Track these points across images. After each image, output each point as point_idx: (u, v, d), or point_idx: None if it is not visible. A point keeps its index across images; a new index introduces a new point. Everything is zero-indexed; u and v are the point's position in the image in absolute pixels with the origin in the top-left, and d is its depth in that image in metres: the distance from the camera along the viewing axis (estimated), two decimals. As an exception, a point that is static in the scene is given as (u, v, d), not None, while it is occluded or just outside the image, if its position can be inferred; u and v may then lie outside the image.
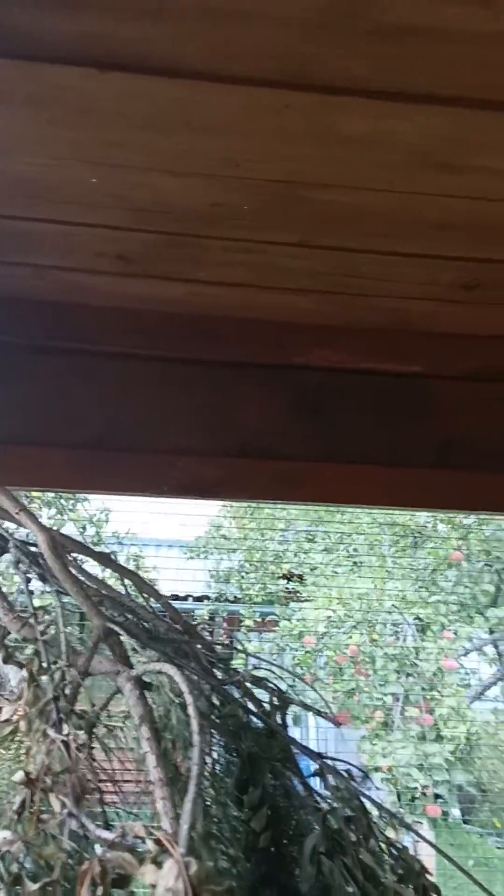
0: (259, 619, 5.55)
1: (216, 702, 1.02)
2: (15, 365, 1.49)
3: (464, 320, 1.47)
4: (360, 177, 1.14)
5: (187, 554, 6.91)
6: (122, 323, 1.43)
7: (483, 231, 1.18)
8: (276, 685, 1.08)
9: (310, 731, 5.27)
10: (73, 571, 1.07)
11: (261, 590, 5.76)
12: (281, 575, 5.69)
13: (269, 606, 5.49)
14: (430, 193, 1.13)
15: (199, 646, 1.11)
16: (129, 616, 1.10)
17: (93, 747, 0.88)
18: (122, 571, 1.19)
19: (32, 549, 1.15)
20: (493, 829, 5.41)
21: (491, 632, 4.27)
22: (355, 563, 4.93)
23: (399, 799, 3.24)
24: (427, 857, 3.72)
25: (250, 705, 1.04)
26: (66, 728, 0.86)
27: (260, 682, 1.08)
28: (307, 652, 3.98)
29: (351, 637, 3.88)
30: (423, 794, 3.36)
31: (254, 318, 1.46)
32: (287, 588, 5.25)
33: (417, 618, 4.02)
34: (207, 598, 6.40)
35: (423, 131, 1.00)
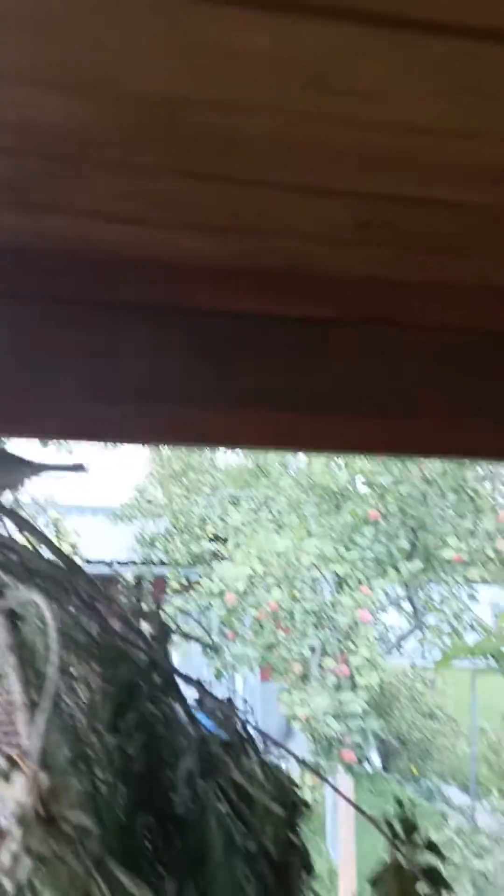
0: (185, 582, 5.57)
1: (94, 634, 1.01)
2: None
3: (359, 263, 1.48)
4: (248, 97, 1.10)
5: (112, 519, 6.86)
6: (14, 262, 1.38)
7: (377, 163, 1.17)
8: (160, 618, 1.08)
9: (237, 685, 5.35)
10: None
11: (186, 553, 5.78)
12: (207, 538, 5.72)
13: (195, 568, 5.52)
14: (321, 118, 1.11)
15: (81, 581, 1.09)
16: (7, 553, 1.07)
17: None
18: (4, 511, 1.16)
19: None
20: (410, 777, 5.64)
21: (406, 586, 4.41)
22: (278, 524, 4.99)
23: (316, 745, 3.33)
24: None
25: (131, 636, 1.03)
26: None
27: (143, 615, 1.07)
28: (229, 610, 4.02)
29: (270, 593, 3.94)
30: (340, 741, 3.46)
31: (143, 258, 1.42)
32: (211, 549, 5.29)
33: (335, 574, 4.11)
34: (133, 562, 6.39)
35: (319, 50, 0.98)
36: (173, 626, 1.04)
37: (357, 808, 0.95)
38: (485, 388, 1.54)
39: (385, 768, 5.91)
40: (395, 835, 0.80)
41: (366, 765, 4.43)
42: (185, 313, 1.50)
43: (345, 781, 3.94)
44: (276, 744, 0.96)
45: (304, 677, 3.80)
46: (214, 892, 0.82)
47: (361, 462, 4.48)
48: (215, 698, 0.98)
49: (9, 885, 0.60)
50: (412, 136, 1.04)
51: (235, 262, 1.46)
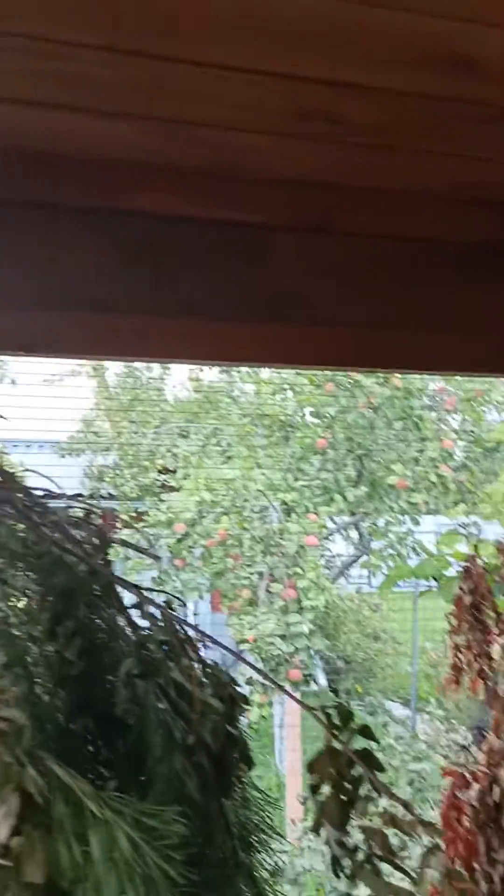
0: (134, 514, 5.57)
1: (30, 543, 0.99)
2: None
3: (300, 161, 1.42)
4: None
5: (59, 453, 6.76)
6: None
7: (323, 40, 1.10)
8: (97, 526, 1.07)
9: (187, 613, 5.43)
10: None
11: (135, 486, 5.76)
12: (156, 469, 5.69)
13: (143, 501, 5.51)
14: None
15: (16, 491, 1.07)
16: None
17: None
18: None
19: None
20: (355, 695, 5.88)
21: (352, 513, 4.49)
22: (226, 455, 4.99)
23: (265, 665, 3.42)
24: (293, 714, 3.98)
25: (69, 545, 1.02)
26: None
27: (79, 523, 1.06)
28: (178, 539, 4.05)
29: (219, 522, 3.97)
30: (287, 660, 3.56)
31: (73, 155, 1.34)
32: (160, 481, 5.28)
33: (283, 502, 4.16)
34: (81, 495, 6.33)
35: None
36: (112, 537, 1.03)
37: (299, 701, 0.98)
38: (422, 298, 1.53)
39: (331, 689, 6.13)
40: (331, 723, 0.82)
41: (312, 685, 4.58)
42: (118, 215, 1.43)
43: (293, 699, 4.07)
44: (205, 635, 0.97)
45: (252, 602, 3.87)
46: (155, 787, 0.83)
47: (308, 391, 4.48)
48: (153, 602, 0.98)
49: None
50: (352, 6, 0.98)
51: (165, 157, 1.38)
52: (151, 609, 0.98)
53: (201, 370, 6.20)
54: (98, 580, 1.02)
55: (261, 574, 3.91)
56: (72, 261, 1.42)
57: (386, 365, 1.69)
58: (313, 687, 4.75)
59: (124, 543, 1.10)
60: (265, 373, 5.24)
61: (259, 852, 0.94)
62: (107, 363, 6.50)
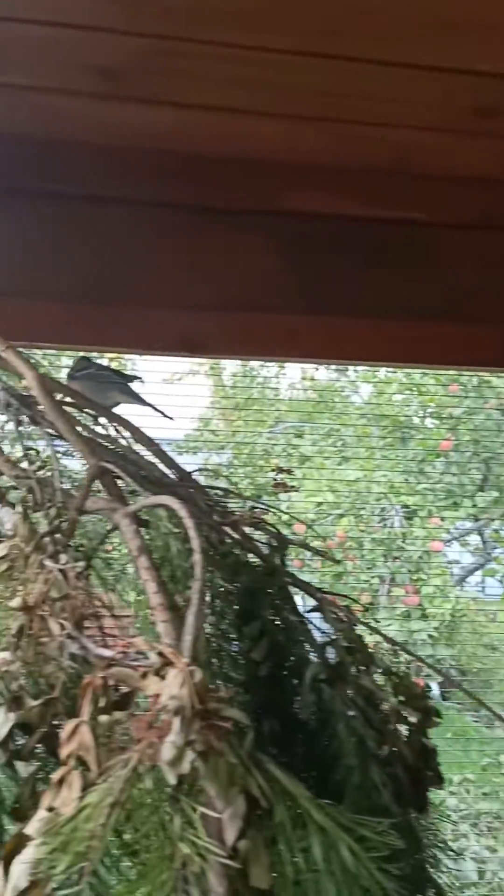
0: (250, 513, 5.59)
1: (214, 542, 1.00)
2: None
3: (474, 158, 1.37)
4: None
5: (176, 451, 6.90)
6: (106, 162, 1.32)
7: (500, 35, 1.06)
8: (275, 527, 1.07)
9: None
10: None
11: (250, 484, 5.79)
12: (271, 469, 5.71)
13: (259, 500, 5.54)
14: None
15: (197, 491, 1.08)
16: (127, 463, 1.06)
17: (89, 576, 0.86)
18: (114, 418, 1.15)
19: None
20: (471, 705, 5.69)
21: (476, 519, 4.35)
22: (343, 456, 4.94)
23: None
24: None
25: (250, 546, 1.02)
26: (63, 558, 0.84)
27: (259, 524, 1.06)
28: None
29: (339, 522, 3.94)
30: (408, 668, 3.48)
31: (246, 157, 1.35)
32: (276, 480, 5.29)
33: (405, 505, 4.08)
34: (259, 498, 6.43)
35: None
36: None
37: (489, 708, 0.94)
38: None
39: (444, 697, 5.96)
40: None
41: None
42: (280, 216, 1.43)
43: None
44: (396, 643, 0.94)
45: (372, 605, 3.82)
46: (348, 796, 0.82)
47: (434, 391, 4.38)
48: (335, 605, 0.97)
49: (172, 778, 0.60)
50: None
51: (333, 158, 1.37)
52: (334, 613, 0.96)
53: (317, 369, 6.17)
54: (277, 581, 1.02)
55: (381, 578, 3.86)
56: (233, 262, 1.43)
57: None
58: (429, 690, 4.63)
59: (303, 545, 1.09)
60: (383, 372, 5.15)
61: (443, 870, 0.91)
62: (224, 363, 6.58)
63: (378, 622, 3.74)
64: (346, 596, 1.00)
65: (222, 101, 1.26)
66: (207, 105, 1.27)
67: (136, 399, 1.30)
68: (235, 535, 1.03)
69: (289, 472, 5.47)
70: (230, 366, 6.91)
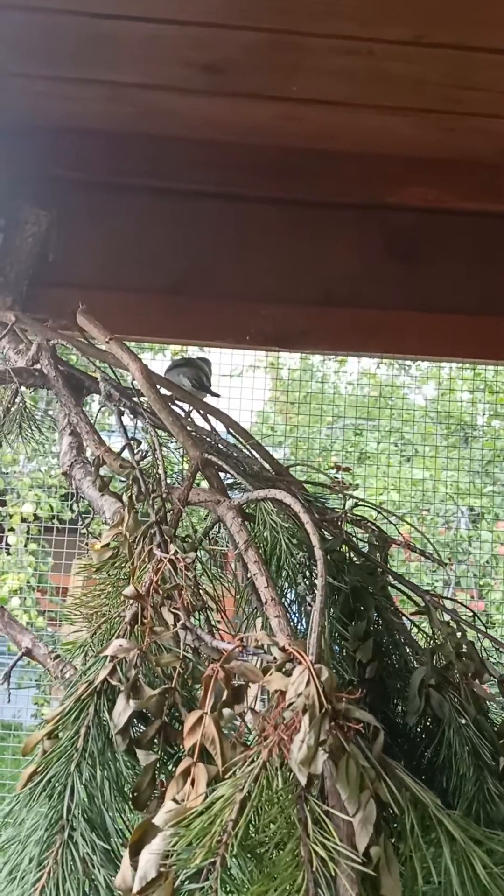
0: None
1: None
2: (88, 205, 1.38)
3: None
4: None
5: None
6: (205, 157, 1.31)
7: None
8: (376, 525, 1.04)
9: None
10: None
11: (307, 480, 5.74)
12: (329, 467, 5.66)
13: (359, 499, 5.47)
14: None
15: (294, 486, 1.06)
16: (227, 456, 1.06)
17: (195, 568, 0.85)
18: (212, 411, 1.14)
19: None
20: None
21: (543, 524, 4.24)
22: (403, 455, 4.86)
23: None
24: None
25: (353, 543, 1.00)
26: (171, 548, 0.83)
27: (360, 521, 1.03)
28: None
29: (404, 522, 3.88)
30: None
31: (345, 151, 1.32)
32: (336, 478, 5.24)
33: (471, 508, 3.99)
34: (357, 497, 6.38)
35: None
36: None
37: None
38: None
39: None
40: None
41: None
42: (386, 209, 1.39)
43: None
44: None
45: (476, 617, 3.74)
46: (459, 806, 0.79)
47: (500, 393, 4.28)
48: (445, 608, 0.94)
49: (303, 778, 0.58)
50: None
51: (443, 150, 1.32)
52: (442, 617, 0.94)
53: (378, 366, 6.10)
54: (379, 581, 0.99)
55: (445, 582, 3.79)
56: (332, 255, 1.40)
57: None
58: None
59: (407, 546, 1.06)
60: (446, 370, 5.06)
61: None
62: (283, 359, 6.56)
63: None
64: (455, 600, 0.97)
65: (330, 95, 1.23)
66: (315, 99, 1.24)
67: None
68: (336, 532, 1.01)
69: (347, 469, 5.41)
70: (290, 361, 6.89)
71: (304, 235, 1.40)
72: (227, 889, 0.57)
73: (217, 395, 1.47)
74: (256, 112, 1.26)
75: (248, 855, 0.60)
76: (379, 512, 1.07)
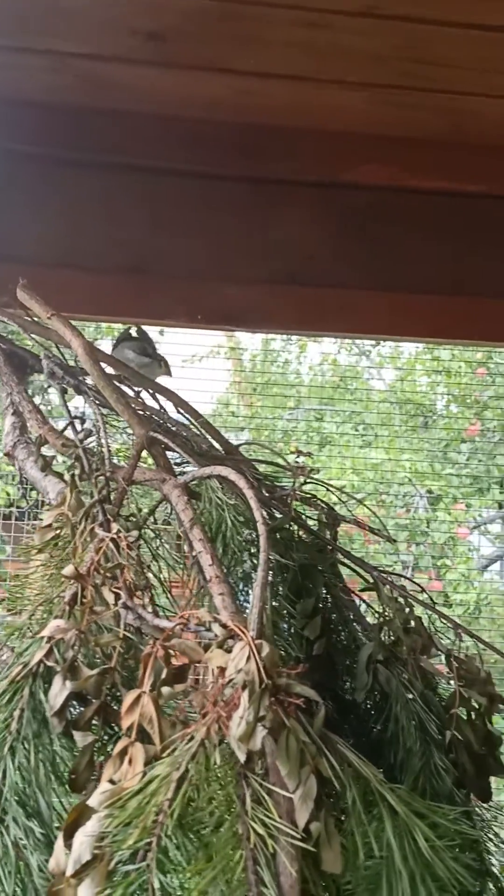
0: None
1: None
2: (41, 181, 1.34)
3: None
4: None
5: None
6: (158, 131, 1.27)
7: None
8: (325, 502, 1.03)
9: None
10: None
11: (260, 459, 5.74)
12: (290, 451, 5.65)
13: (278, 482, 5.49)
14: None
15: (244, 465, 1.05)
16: (176, 435, 1.03)
17: (139, 546, 0.83)
18: (160, 389, 1.12)
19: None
20: None
21: (500, 506, 4.30)
22: (364, 439, 4.89)
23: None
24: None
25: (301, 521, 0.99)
26: (114, 528, 0.81)
27: (309, 500, 1.03)
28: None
29: (362, 504, 3.91)
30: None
31: (303, 127, 1.29)
32: (296, 462, 5.25)
33: (429, 490, 4.03)
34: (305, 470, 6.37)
35: None
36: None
37: None
38: None
39: (460, 685, 5.94)
40: None
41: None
42: (339, 187, 1.37)
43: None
44: (458, 626, 0.91)
45: (423, 592, 3.78)
46: (407, 780, 0.79)
47: (458, 377, 4.32)
48: (393, 584, 0.94)
49: (242, 755, 0.57)
50: None
51: (389, 127, 1.31)
52: (390, 593, 0.93)
53: (339, 351, 6.11)
54: (328, 558, 0.99)
55: (404, 564, 3.83)
56: (289, 234, 1.38)
57: None
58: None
59: (356, 523, 1.06)
60: (405, 355, 5.09)
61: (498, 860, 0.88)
62: (245, 344, 6.53)
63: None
64: (403, 576, 0.97)
65: (280, 69, 1.20)
66: (264, 73, 1.21)
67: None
68: (285, 511, 1.00)
69: (309, 454, 5.43)
70: (250, 347, 6.87)
71: (260, 213, 1.38)
72: (165, 869, 0.56)
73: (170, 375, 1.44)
74: (209, 86, 1.22)
75: (189, 834, 0.59)
76: (327, 489, 1.06)
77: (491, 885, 0.82)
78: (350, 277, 1.32)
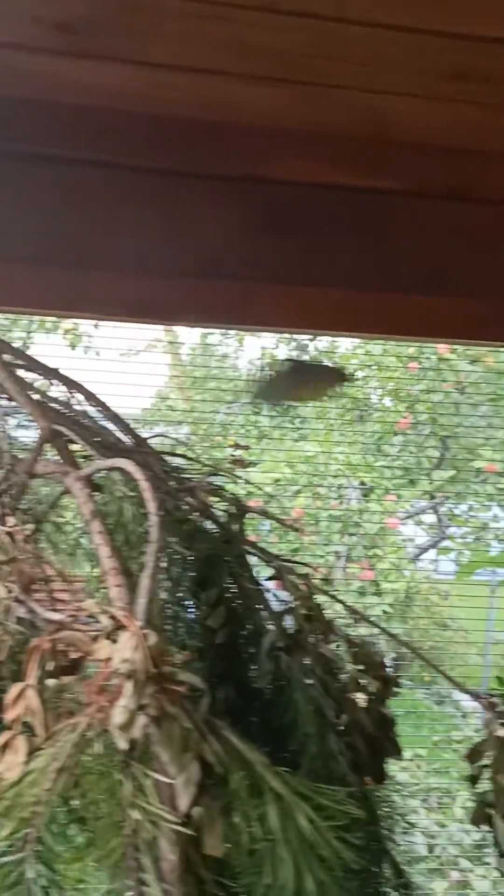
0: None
1: (170, 508, 0.97)
2: None
3: (445, 124, 1.34)
4: None
5: (134, 426, 6.81)
6: (69, 121, 1.26)
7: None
8: (233, 494, 1.04)
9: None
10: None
11: (207, 460, 5.75)
12: (228, 445, 5.68)
13: (216, 476, 5.51)
14: None
15: (152, 459, 1.05)
16: (81, 427, 1.03)
17: (38, 540, 0.82)
18: (67, 381, 1.11)
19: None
20: (421, 682, 5.78)
21: (432, 497, 4.40)
22: (301, 432, 4.93)
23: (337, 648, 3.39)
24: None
25: (208, 513, 1.00)
26: (11, 521, 0.80)
27: (216, 490, 1.03)
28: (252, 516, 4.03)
29: (296, 500, 3.95)
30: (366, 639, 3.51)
31: (216, 121, 1.29)
32: (233, 455, 5.26)
33: (362, 482, 4.10)
34: (215, 467, 6.35)
35: None
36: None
37: (455, 682, 0.94)
38: None
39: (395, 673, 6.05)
40: (495, 709, 0.78)
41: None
42: (257, 182, 1.38)
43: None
44: (356, 612, 0.93)
45: (328, 582, 3.84)
46: (304, 765, 0.81)
47: (391, 371, 4.39)
48: (296, 573, 0.95)
49: (123, 743, 0.57)
50: None
51: (305, 123, 1.33)
52: (293, 581, 0.95)
53: (277, 345, 6.15)
54: (234, 549, 1.00)
55: (337, 554, 3.89)
56: (203, 229, 1.38)
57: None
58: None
59: (263, 513, 1.07)
60: (342, 349, 5.15)
61: (396, 840, 0.91)
62: (183, 338, 6.51)
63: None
64: (305, 564, 0.99)
65: (191, 62, 1.20)
66: (175, 65, 1.21)
67: None
68: (193, 503, 1.00)
69: (246, 448, 5.45)
70: (188, 341, 6.85)
71: (175, 206, 1.37)
72: (46, 859, 0.56)
73: None
74: (120, 77, 1.21)
75: (72, 824, 0.59)
76: (232, 480, 1.07)
77: (388, 865, 0.85)
78: (267, 272, 1.33)
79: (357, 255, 1.44)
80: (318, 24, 1.06)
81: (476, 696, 0.80)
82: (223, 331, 6.05)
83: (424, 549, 4.70)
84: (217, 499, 1.04)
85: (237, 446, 6.11)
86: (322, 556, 3.93)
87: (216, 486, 1.03)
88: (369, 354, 4.30)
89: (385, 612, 3.78)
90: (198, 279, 1.37)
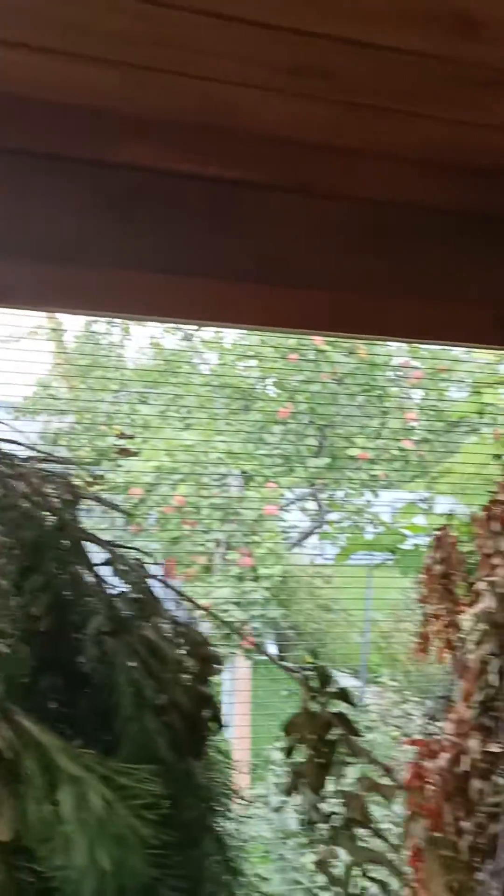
0: (90, 478, 5.47)
1: (-1, 494, 0.95)
2: None
3: (286, 118, 1.37)
4: None
5: (13, 415, 6.60)
6: None
7: None
8: (69, 480, 1.03)
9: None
10: None
11: (91, 450, 5.65)
12: (113, 434, 5.61)
13: (99, 466, 5.42)
14: None
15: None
16: None
17: None
18: None
19: None
20: (304, 664, 5.94)
21: (312, 484, 4.51)
22: (187, 423, 4.94)
23: (218, 632, 3.44)
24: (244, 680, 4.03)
25: (38, 499, 0.98)
26: None
27: (49, 477, 1.02)
28: (134, 504, 4.01)
29: (177, 489, 3.95)
30: (240, 629, 3.58)
31: (61, 102, 1.27)
32: (117, 446, 5.20)
33: (243, 471, 4.15)
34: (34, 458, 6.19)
35: None
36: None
37: (275, 660, 0.97)
38: (409, 264, 1.50)
39: (280, 657, 6.18)
40: (309, 685, 0.81)
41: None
42: (104, 166, 1.37)
43: (243, 667, 4.11)
44: (181, 595, 0.95)
45: (208, 569, 3.88)
46: (124, 746, 0.81)
47: (272, 362, 4.46)
48: (125, 558, 0.95)
49: None
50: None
51: (148, 109, 1.32)
52: (123, 566, 0.95)
53: (163, 336, 6.11)
54: (67, 535, 0.99)
55: (218, 541, 3.92)
56: (45, 210, 1.35)
57: (367, 331, 1.66)
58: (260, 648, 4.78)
59: (97, 499, 1.06)
60: (228, 341, 5.18)
61: (224, 816, 0.93)
62: (66, 325, 6.36)
63: (212, 584, 3.81)
64: (139, 550, 0.99)
65: (41, 42, 1.17)
66: (24, 44, 1.18)
67: None
68: (24, 490, 0.98)
69: (131, 437, 5.40)
70: (73, 329, 6.69)
71: (16, 187, 1.34)
72: None
73: None
74: None
75: None
76: (60, 463, 1.06)
77: (211, 841, 0.87)
78: (110, 258, 1.32)
79: (204, 244, 1.45)
80: (160, 11, 1.06)
81: (291, 671, 0.83)
82: (108, 319, 5.95)
83: (306, 535, 4.81)
84: (51, 486, 1.03)
85: (122, 435, 6.04)
86: (202, 544, 3.95)
87: (49, 473, 1.02)
88: (249, 346, 4.36)
89: (263, 597, 3.85)
90: (36, 263, 1.34)
